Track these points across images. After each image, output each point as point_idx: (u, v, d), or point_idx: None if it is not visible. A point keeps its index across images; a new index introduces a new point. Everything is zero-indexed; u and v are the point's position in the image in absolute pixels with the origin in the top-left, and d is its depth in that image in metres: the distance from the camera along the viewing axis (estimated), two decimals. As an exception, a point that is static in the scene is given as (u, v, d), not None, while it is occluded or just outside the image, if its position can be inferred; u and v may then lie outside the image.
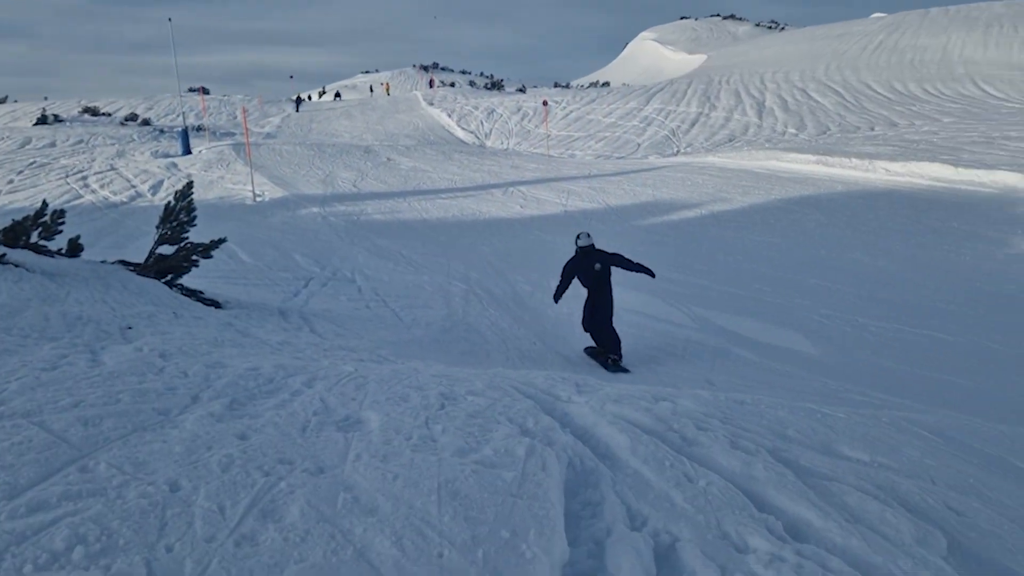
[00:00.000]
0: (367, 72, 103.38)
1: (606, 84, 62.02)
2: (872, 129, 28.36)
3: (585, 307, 8.77)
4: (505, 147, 33.23)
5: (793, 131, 30.33)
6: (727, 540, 2.20)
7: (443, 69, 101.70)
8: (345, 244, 13.53)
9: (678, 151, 29.09)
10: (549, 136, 33.55)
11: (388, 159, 24.50)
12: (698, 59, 66.13)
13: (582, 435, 3.04)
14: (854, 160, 20.73)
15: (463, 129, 37.72)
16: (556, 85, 70.32)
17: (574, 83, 78.00)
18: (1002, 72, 36.89)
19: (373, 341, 7.64)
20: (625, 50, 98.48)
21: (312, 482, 2.40)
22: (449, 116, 40.37)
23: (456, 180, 21.12)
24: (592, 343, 8.87)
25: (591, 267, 8.57)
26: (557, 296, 8.79)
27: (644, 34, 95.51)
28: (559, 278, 8.82)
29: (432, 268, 12.11)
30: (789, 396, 6.09)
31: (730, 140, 30.19)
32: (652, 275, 8.63)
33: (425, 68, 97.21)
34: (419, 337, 8.55)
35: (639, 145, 31.06)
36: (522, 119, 38.57)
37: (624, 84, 57.52)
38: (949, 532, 2.41)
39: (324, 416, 3.16)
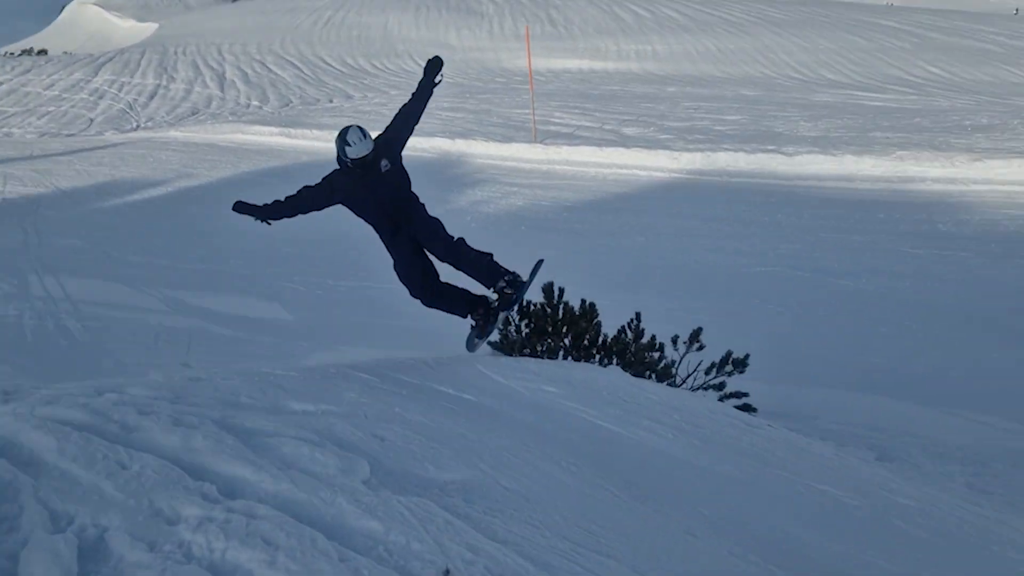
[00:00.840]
0: None
1: (43, 52, 55.02)
2: (331, 101, 29.94)
3: (399, 264, 5.10)
4: (-89, 126, 27.58)
5: (257, 103, 30.51)
6: (159, 516, 2.20)
7: None
8: None
9: (138, 126, 27.33)
10: (-26, 113, 28.60)
11: None
12: (149, 27, 61.98)
13: (1, 447, 2.73)
14: (315, 131, 21.72)
15: None
16: (-21, 54, 60.24)
17: (2, 50, 67.26)
18: (433, 50, 41.78)
19: None
20: (63, 14, 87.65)
21: None
22: None
23: None
24: (438, 306, 5.27)
25: (374, 177, 4.84)
26: (265, 214, 5.05)
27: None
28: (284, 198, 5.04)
29: None
30: (264, 363, 6.26)
31: (193, 113, 29.25)
32: (439, 69, 5.42)
33: None
34: None
35: (92, 120, 28.38)
36: (-62, 94, 32.35)
37: (66, 52, 51.34)
38: (372, 457, 2.73)
39: None
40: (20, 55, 52.17)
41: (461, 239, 5.10)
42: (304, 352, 7.29)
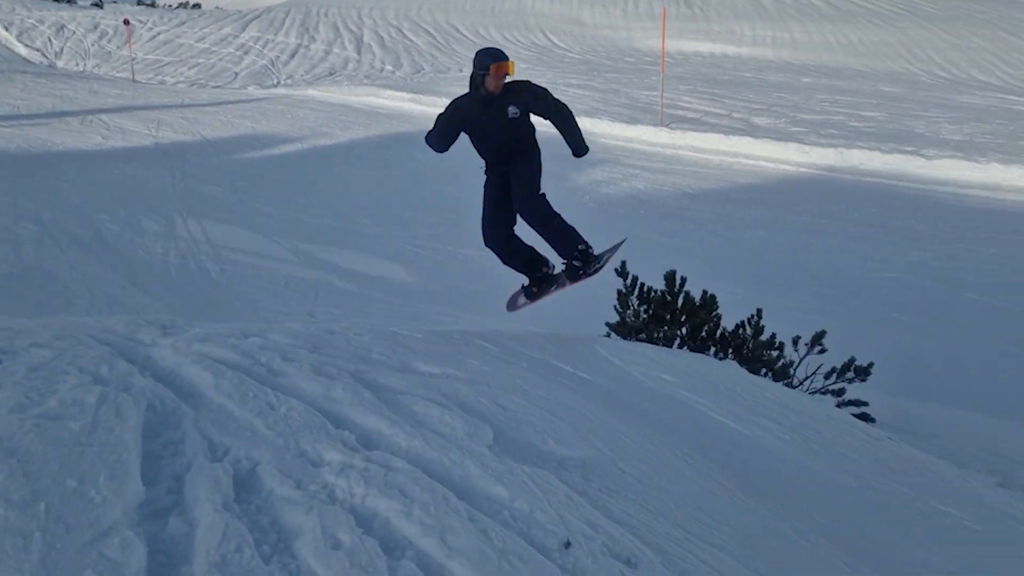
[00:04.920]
0: None
1: (197, 6, 53.15)
2: (461, 70, 26.23)
3: (485, 201, 5.00)
4: (81, 69, 27.40)
5: (390, 68, 28.63)
6: (304, 457, 2.34)
7: (-2, -21, 13.16)
8: None
9: (278, 82, 26.07)
10: (134, 59, 27.13)
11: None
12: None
13: (164, 377, 2.65)
14: (444, 99, 17.24)
15: (26, 46, 29.92)
16: (140, 3, 57.67)
17: (160, 2, 60.17)
18: (565, 25, 37.29)
19: None
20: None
21: None
22: (6, 29, 31.87)
23: (20, 106, 17.43)
24: (510, 263, 5.13)
25: (499, 119, 4.75)
26: (436, 143, 4.93)
27: (226, -53, 42.51)
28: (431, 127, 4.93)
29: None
30: (385, 321, 6.24)
31: (331, 74, 27.63)
32: (581, 152, 4.89)
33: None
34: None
35: (237, 74, 27.28)
36: (101, 38, 32.02)
37: (218, 8, 49.56)
38: (495, 424, 2.82)
39: None
40: (177, 7, 51.32)
41: (552, 213, 4.92)
42: (424, 314, 7.50)
